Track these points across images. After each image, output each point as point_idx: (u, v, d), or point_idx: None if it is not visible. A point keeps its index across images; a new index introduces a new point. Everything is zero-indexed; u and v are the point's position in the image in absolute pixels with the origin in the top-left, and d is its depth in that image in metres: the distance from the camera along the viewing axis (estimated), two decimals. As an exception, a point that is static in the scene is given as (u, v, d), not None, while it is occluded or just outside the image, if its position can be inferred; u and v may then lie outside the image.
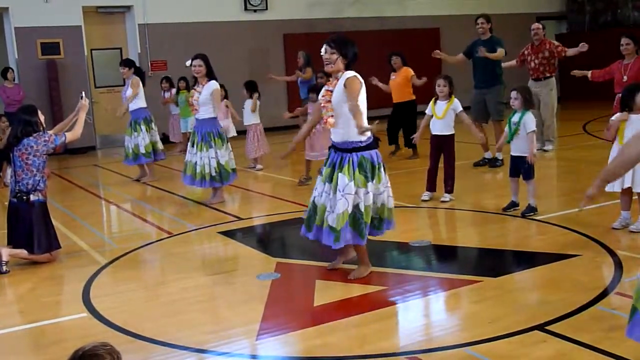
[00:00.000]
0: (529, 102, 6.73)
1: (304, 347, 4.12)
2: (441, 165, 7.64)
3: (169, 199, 8.91)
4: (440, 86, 7.51)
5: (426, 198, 7.66)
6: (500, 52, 9.50)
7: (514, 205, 6.84)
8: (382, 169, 5.07)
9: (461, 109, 7.50)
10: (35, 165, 5.89)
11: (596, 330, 3.94)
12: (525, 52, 10.32)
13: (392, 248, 5.98)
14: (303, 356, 4.02)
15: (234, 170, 8.18)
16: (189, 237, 6.86)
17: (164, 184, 9.84)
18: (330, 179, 5.02)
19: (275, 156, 11.08)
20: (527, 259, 5.54)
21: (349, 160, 4.95)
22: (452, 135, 7.56)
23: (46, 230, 6.01)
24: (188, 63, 7.96)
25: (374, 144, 5.05)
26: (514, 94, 6.66)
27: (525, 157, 6.62)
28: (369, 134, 4.99)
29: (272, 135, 12.94)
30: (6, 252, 5.85)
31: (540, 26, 10.29)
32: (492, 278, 5.04)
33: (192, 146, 8.03)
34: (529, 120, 6.63)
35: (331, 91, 5.04)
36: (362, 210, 4.94)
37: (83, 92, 6.52)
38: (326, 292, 4.92)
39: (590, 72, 8.55)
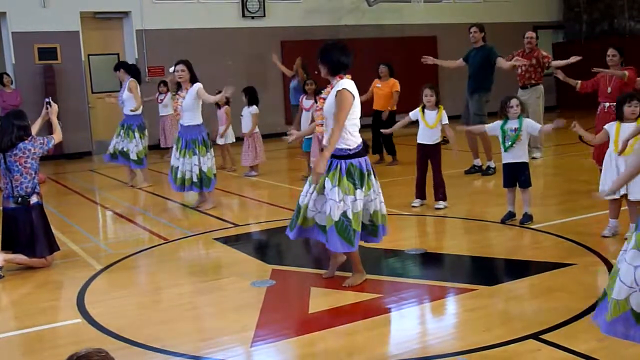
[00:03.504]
0: (524, 110, 6.76)
1: (299, 354, 4.12)
2: (430, 174, 7.68)
3: (165, 204, 8.91)
4: (428, 96, 7.54)
5: (416, 205, 7.69)
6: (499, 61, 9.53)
7: (511, 216, 6.82)
8: (372, 176, 5.06)
9: (447, 121, 7.53)
10: (33, 168, 5.96)
11: (591, 340, 3.94)
12: (517, 57, 10.41)
13: (387, 256, 5.98)
14: (297, 363, 4.02)
15: (214, 175, 8.19)
16: (184, 244, 6.86)
17: (159, 190, 9.83)
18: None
19: (273, 163, 11.11)
20: (522, 268, 5.54)
21: (336, 166, 4.94)
22: (439, 144, 7.61)
23: (46, 232, 6.05)
24: (171, 69, 8.09)
25: (363, 152, 5.04)
26: (515, 101, 6.65)
27: (523, 163, 6.64)
28: (359, 141, 4.99)
29: (269, 142, 12.93)
30: (1, 257, 5.84)
31: (534, 35, 10.49)
32: (487, 286, 5.04)
33: (177, 151, 8.07)
34: (532, 123, 6.66)
35: (324, 99, 5.06)
36: (350, 217, 4.90)
37: (49, 98, 6.68)
38: (321, 300, 4.92)
39: (579, 82, 8.53)
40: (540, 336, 4.03)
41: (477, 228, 6.87)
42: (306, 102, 10.10)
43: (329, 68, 5.00)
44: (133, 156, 9.87)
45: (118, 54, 14.99)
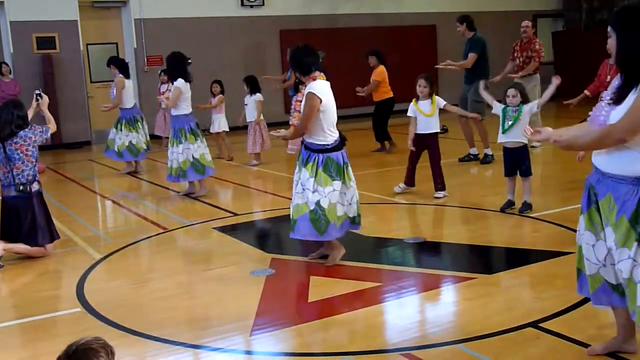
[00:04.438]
0: (525, 98, 6.72)
1: (298, 343, 4.12)
2: (427, 164, 7.64)
3: (164, 194, 8.90)
4: (421, 86, 7.49)
5: (398, 190, 7.69)
6: (470, 57, 9.55)
7: (511, 204, 6.80)
8: (349, 167, 5.29)
9: (445, 102, 7.54)
10: (34, 156, 6.01)
11: (589, 328, 3.95)
12: (515, 48, 10.47)
13: (386, 245, 5.99)
14: (297, 352, 4.02)
15: (209, 162, 8.28)
16: (183, 233, 6.86)
17: (159, 179, 9.83)
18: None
19: (273, 152, 11.10)
20: (522, 256, 5.55)
21: (314, 159, 5.16)
22: (437, 133, 7.58)
23: (47, 220, 6.09)
24: None
25: (340, 146, 5.26)
26: (512, 91, 6.63)
27: (523, 146, 6.61)
28: (336, 136, 5.23)
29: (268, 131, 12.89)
30: (0, 246, 5.84)
31: (530, 24, 10.50)
32: (486, 275, 5.05)
33: (170, 142, 8.30)
34: (529, 107, 6.59)
35: (300, 101, 5.39)
36: (325, 207, 5.08)
37: (40, 89, 6.77)
38: (320, 288, 4.93)
39: (586, 91, 8.37)
40: (539, 324, 4.04)
41: (476, 217, 6.87)
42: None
43: (299, 71, 5.28)
44: (115, 148, 10.23)
45: (117, 44, 14.94)
